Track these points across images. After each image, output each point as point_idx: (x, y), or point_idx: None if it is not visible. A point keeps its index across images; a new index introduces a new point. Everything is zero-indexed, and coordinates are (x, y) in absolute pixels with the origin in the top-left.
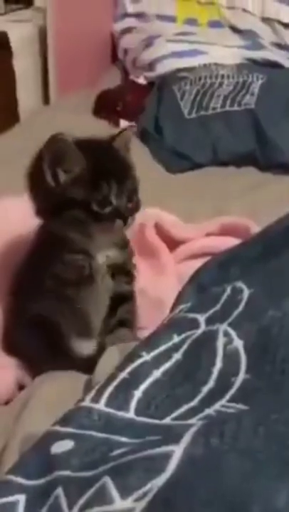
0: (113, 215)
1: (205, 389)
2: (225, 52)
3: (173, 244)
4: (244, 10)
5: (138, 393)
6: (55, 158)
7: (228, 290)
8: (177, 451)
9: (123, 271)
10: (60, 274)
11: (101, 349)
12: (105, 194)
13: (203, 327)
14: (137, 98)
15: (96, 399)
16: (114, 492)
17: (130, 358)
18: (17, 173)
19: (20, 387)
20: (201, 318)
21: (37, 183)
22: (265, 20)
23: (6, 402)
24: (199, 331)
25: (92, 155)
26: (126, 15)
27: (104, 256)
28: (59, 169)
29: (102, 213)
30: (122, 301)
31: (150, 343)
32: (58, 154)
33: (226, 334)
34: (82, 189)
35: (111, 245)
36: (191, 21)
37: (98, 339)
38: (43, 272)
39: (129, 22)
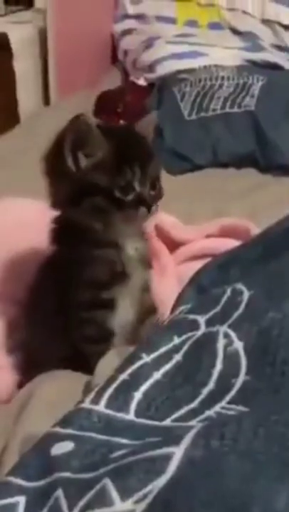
0: (136, 203)
1: (205, 390)
2: (225, 54)
3: (173, 245)
4: (244, 12)
5: (138, 395)
6: (77, 142)
7: (228, 292)
8: (177, 453)
9: (147, 260)
10: (92, 276)
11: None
12: (128, 180)
13: (203, 328)
14: (137, 99)
15: (96, 400)
16: (114, 494)
17: (130, 359)
18: (17, 174)
19: (20, 387)
20: (201, 320)
21: (56, 168)
22: (265, 22)
23: (6, 403)
24: (199, 333)
25: (115, 139)
26: (126, 16)
27: (133, 247)
28: (80, 153)
29: (125, 200)
30: (146, 289)
31: (150, 344)
32: (80, 137)
33: (226, 336)
34: (105, 175)
35: (137, 235)
36: (191, 23)
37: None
38: (70, 282)
39: (130, 23)
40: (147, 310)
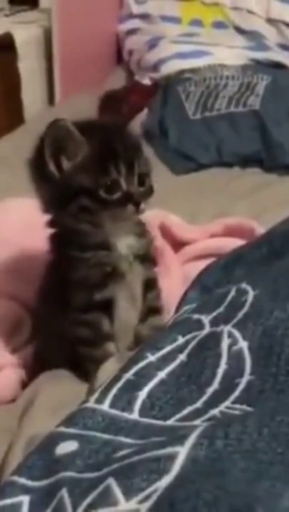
0: (124, 201)
1: (209, 390)
2: (229, 53)
3: (177, 245)
4: (249, 11)
5: (142, 394)
6: (55, 146)
7: (233, 291)
8: (182, 453)
9: (148, 258)
10: (82, 278)
11: (137, 340)
12: (114, 178)
13: (207, 328)
14: (141, 99)
15: (100, 400)
16: (118, 493)
17: (134, 359)
18: (22, 174)
19: (24, 385)
20: (206, 320)
21: (40, 174)
22: (270, 21)
23: (10, 402)
24: (204, 332)
25: (97, 137)
26: (131, 16)
27: (124, 245)
28: (62, 157)
29: (110, 200)
30: (149, 286)
31: (155, 344)
32: (58, 141)
33: (231, 335)
34: (88, 175)
35: (129, 233)
36: (196, 22)
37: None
38: (64, 284)
39: (134, 23)
40: (150, 309)
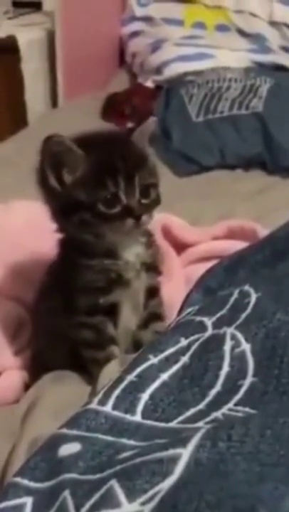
0: (123, 215)
1: (212, 392)
2: (232, 56)
3: (180, 247)
4: (251, 13)
5: (145, 396)
6: (54, 161)
7: (236, 293)
8: (184, 455)
9: (153, 267)
10: (87, 283)
11: (137, 345)
12: (113, 192)
13: (210, 330)
14: (144, 101)
15: (103, 401)
16: (121, 495)
17: (137, 360)
18: (25, 176)
19: (26, 387)
20: (208, 322)
21: (44, 187)
22: (273, 23)
23: (13, 403)
24: (206, 335)
25: (96, 151)
26: (134, 18)
27: (132, 254)
28: (64, 171)
29: (110, 214)
30: (152, 294)
31: (157, 346)
32: (56, 156)
33: (233, 338)
34: (86, 190)
35: (135, 242)
36: (199, 25)
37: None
38: (70, 289)
39: (137, 26)
40: (152, 315)
